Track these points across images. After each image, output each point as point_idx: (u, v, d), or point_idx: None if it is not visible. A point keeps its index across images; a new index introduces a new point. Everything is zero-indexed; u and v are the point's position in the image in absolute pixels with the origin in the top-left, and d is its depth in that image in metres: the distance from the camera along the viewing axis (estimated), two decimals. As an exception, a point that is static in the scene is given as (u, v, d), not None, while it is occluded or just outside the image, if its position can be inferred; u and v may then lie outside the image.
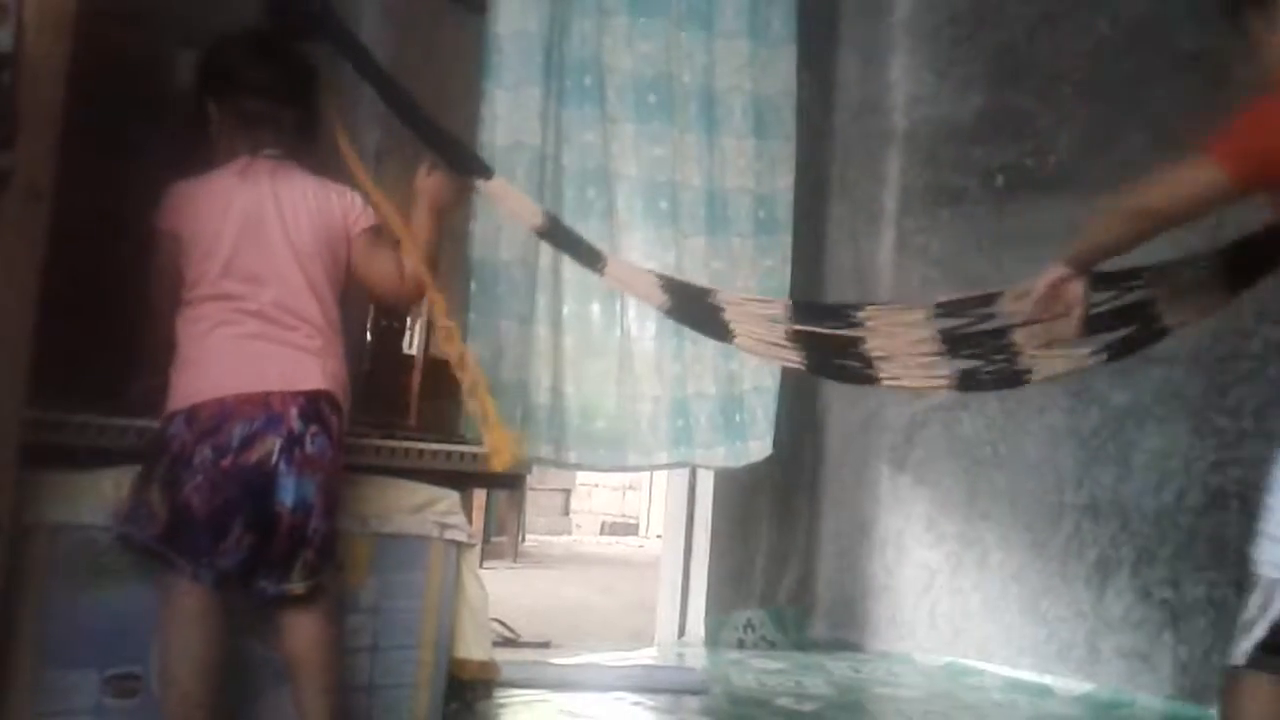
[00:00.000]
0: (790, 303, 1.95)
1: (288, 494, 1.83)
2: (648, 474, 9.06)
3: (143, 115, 2.26)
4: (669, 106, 3.01)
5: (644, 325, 3.01)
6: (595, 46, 2.91)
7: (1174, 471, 3.22)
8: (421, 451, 2.27)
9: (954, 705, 3.11)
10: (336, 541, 1.95)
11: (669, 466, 3.26)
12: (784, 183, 3.22)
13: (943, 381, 1.89)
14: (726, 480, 3.69)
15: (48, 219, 1.65)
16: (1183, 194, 1.71)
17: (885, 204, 4.03)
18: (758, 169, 3.17)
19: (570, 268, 2.86)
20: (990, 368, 1.86)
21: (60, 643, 1.79)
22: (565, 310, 2.88)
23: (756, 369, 3.09)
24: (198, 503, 1.78)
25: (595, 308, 2.95)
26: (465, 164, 2.22)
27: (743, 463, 3.17)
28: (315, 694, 1.86)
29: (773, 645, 3.80)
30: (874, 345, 1.87)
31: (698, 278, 3.03)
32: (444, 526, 2.24)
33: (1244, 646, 1.67)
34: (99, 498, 1.84)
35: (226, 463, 1.79)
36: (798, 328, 1.94)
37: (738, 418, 3.10)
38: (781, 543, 3.94)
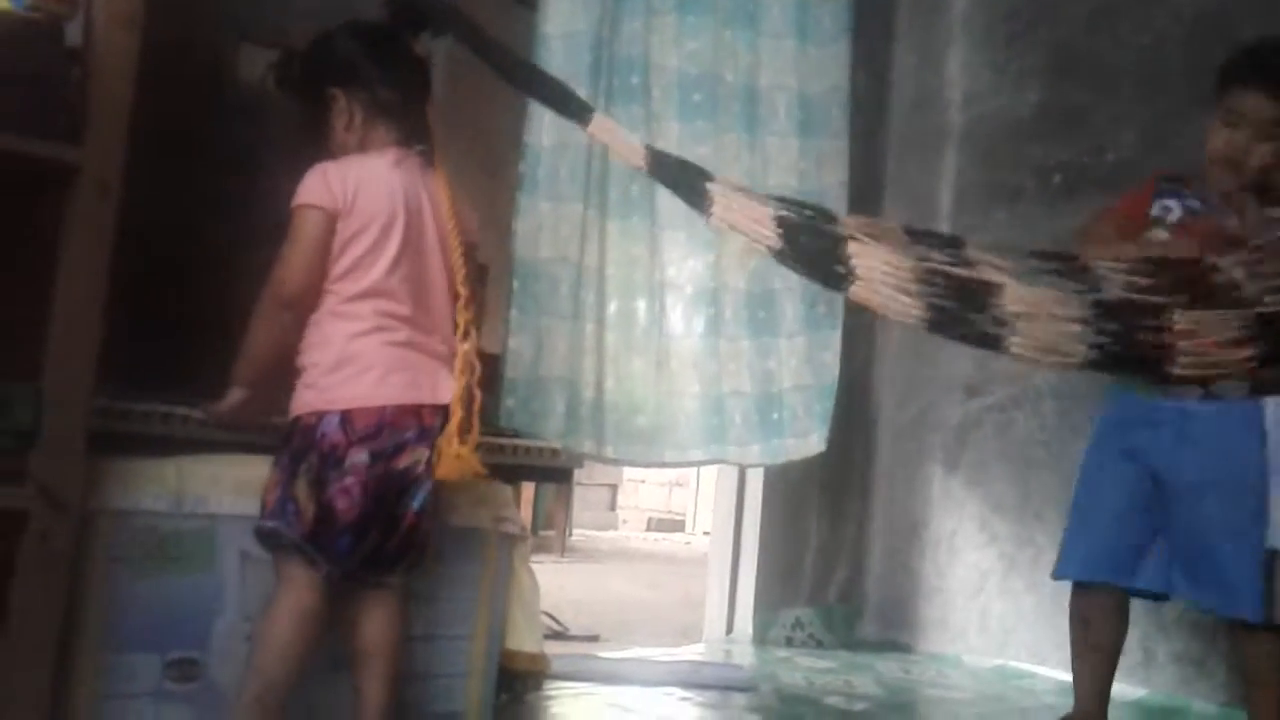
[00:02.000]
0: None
1: (418, 499, 1.89)
2: (694, 471, 9.08)
3: (206, 108, 2.29)
4: (713, 105, 3.01)
5: (687, 323, 3.02)
6: (644, 45, 2.92)
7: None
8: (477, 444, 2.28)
9: (1005, 708, 3.08)
10: (434, 536, 2.00)
11: (703, 463, 3.27)
12: (834, 180, 3.21)
13: (1075, 359, 1.64)
14: (776, 478, 3.68)
15: (116, 213, 1.68)
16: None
17: (941, 201, 4.00)
18: (803, 167, 3.16)
19: (614, 266, 2.87)
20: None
21: (123, 627, 1.83)
22: (611, 308, 2.89)
23: (797, 367, 3.09)
24: (344, 505, 1.81)
25: (639, 305, 2.96)
26: (570, 108, 2.09)
27: (780, 460, 3.16)
28: (381, 679, 1.89)
29: (821, 644, 3.78)
30: (1012, 298, 1.58)
31: (735, 278, 3.04)
32: (498, 519, 2.26)
33: None
34: (160, 485, 1.87)
35: (380, 469, 1.83)
36: (931, 265, 1.65)
37: (775, 415, 3.09)
38: (831, 541, 3.92)
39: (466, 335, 1.95)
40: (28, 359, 1.65)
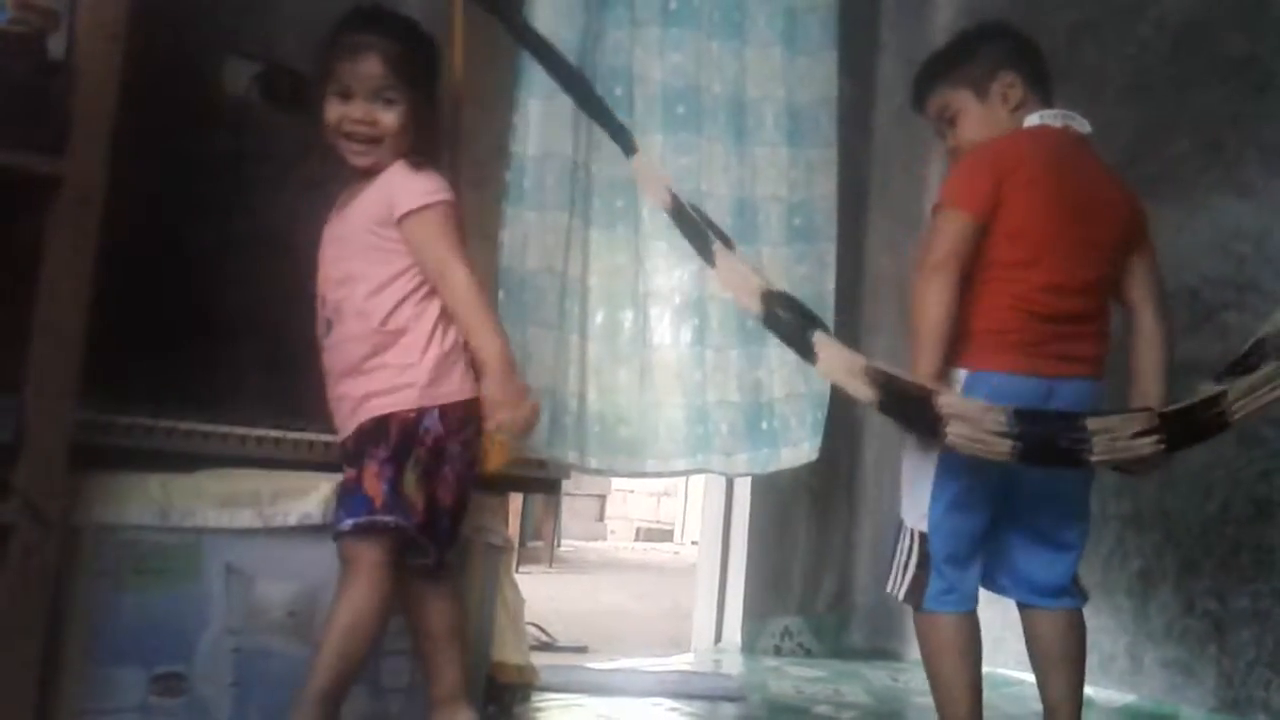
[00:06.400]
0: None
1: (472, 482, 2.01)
2: (683, 480, 9.08)
3: (191, 120, 2.29)
4: (697, 117, 3.01)
5: (670, 333, 3.01)
6: (628, 56, 2.92)
7: (1219, 482, 3.17)
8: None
9: (994, 716, 3.07)
10: None
11: (687, 473, 3.26)
12: (823, 190, 3.21)
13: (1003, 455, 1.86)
14: (764, 487, 3.68)
15: (99, 224, 1.68)
16: (949, 244, 2.02)
17: (925, 211, 3.99)
18: (792, 177, 3.15)
19: (597, 276, 2.87)
20: None
21: (108, 641, 1.82)
22: (597, 319, 2.89)
23: (789, 375, 3.08)
24: (444, 493, 1.92)
25: (622, 316, 2.95)
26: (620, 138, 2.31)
27: (770, 469, 3.15)
28: (454, 660, 1.98)
29: (809, 653, 3.78)
30: (944, 403, 1.88)
31: (724, 288, 3.03)
32: (481, 530, 2.26)
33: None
34: (145, 498, 1.86)
35: (469, 457, 1.94)
36: (878, 366, 1.93)
37: (765, 425, 3.08)
38: (819, 550, 3.92)
39: None
40: (9, 371, 1.64)
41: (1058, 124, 2.15)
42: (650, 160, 2.24)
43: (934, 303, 2.01)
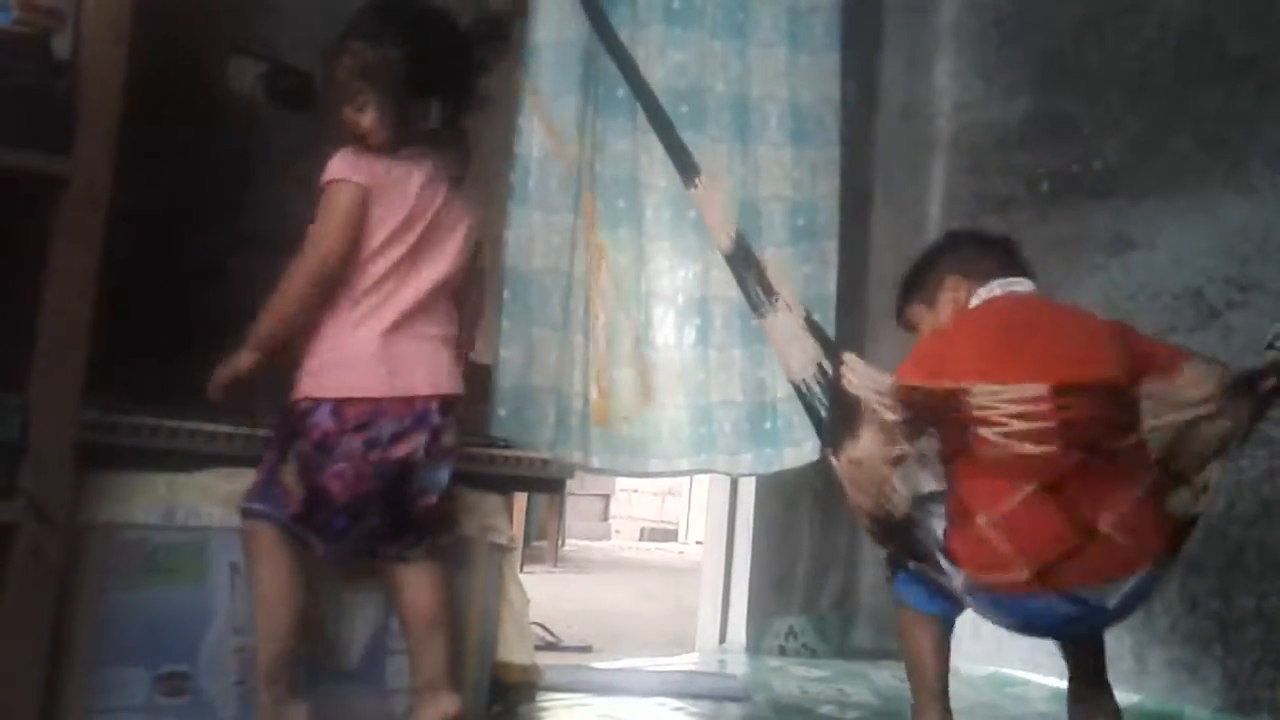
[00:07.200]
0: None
1: (426, 481, 1.94)
2: (688, 480, 9.07)
3: (196, 119, 2.29)
4: (700, 116, 3.01)
5: (673, 334, 3.02)
6: (630, 56, 2.92)
7: (1224, 482, 3.16)
8: (473, 455, 2.28)
9: (998, 716, 3.08)
10: (455, 509, 2.09)
11: (690, 473, 3.28)
12: (826, 189, 3.21)
13: None
14: (768, 487, 3.68)
15: (103, 223, 1.68)
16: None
17: (930, 210, 4.00)
18: (796, 176, 3.16)
19: (601, 276, 2.87)
20: None
21: (113, 641, 1.82)
22: (601, 319, 2.89)
23: None
24: (338, 489, 1.86)
25: (625, 316, 2.95)
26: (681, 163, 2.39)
27: (773, 469, 3.16)
28: (436, 641, 1.96)
29: (814, 653, 3.78)
30: None
31: (727, 288, 3.04)
32: (486, 528, 2.26)
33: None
34: (151, 497, 1.87)
35: (375, 456, 1.87)
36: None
37: (768, 425, 3.09)
38: (824, 550, 3.92)
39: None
40: (14, 371, 1.64)
41: (997, 292, 2.25)
42: (714, 193, 2.36)
43: None
